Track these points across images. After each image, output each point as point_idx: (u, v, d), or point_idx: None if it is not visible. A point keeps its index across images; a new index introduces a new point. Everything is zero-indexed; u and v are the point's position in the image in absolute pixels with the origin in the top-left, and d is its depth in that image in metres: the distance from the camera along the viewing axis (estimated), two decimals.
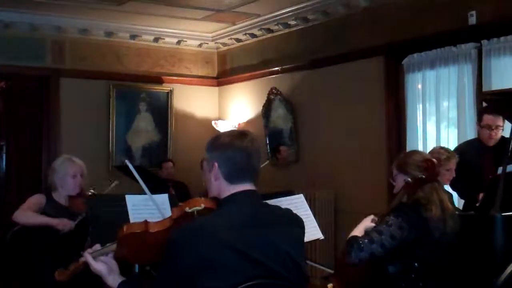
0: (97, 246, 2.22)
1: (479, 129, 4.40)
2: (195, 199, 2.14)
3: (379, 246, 2.60)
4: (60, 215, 3.60)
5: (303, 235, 2.17)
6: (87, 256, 2.18)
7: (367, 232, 2.68)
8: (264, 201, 2.15)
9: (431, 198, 2.73)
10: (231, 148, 2.06)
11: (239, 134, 2.11)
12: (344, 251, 2.68)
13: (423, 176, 2.74)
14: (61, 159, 3.79)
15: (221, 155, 2.07)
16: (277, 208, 2.17)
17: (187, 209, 2.07)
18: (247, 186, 2.07)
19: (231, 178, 2.06)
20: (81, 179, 3.76)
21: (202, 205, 2.08)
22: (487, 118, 4.28)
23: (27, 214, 3.61)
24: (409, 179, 2.76)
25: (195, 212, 2.07)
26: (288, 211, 2.18)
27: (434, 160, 2.78)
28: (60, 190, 3.73)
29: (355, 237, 2.67)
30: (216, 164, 2.07)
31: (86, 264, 2.20)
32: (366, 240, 2.61)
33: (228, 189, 2.07)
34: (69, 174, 3.71)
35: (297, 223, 2.16)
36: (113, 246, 2.17)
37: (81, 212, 3.64)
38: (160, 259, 1.99)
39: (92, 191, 3.90)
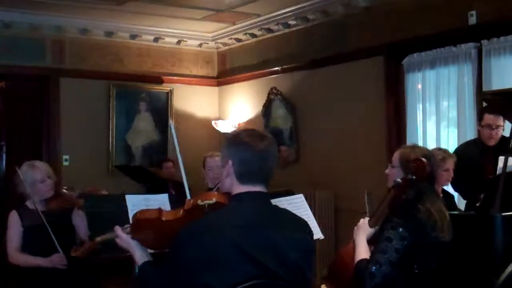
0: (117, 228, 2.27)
1: (480, 128, 4.38)
2: (208, 193, 2.17)
3: (388, 265, 2.55)
4: (41, 222, 3.55)
5: (312, 242, 2.16)
6: (118, 229, 2.22)
7: (372, 256, 2.61)
8: (274, 204, 2.14)
9: (422, 200, 2.68)
10: (249, 150, 2.03)
11: (259, 136, 2.08)
12: (354, 277, 2.62)
13: (414, 177, 2.66)
14: (24, 168, 3.69)
15: (237, 154, 2.05)
16: (286, 212, 2.17)
17: (199, 202, 2.10)
18: (257, 188, 2.06)
19: (243, 178, 2.05)
20: (50, 181, 3.69)
21: (214, 199, 2.10)
22: (488, 118, 4.26)
23: (20, 258, 3.62)
24: (399, 180, 2.69)
25: (206, 206, 2.09)
26: (298, 218, 2.17)
27: (423, 160, 2.67)
28: (34, 197, 3.65)
29: (363, 264, 2.60)
30: (230, 161, 2.05)
31: (101, 243, 2.23)
32: (374, 266, 2.55)
33: (238, 188, 2.06)
34: (37, 181, 3.64)
35: (306, 230, 2.14)
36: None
37: (60, 211, 3.62)
38: (169, 248, 2.03)
39: (65, 188, 3.88)
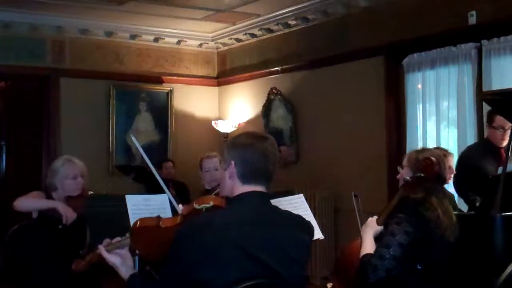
0: (108, 240, 2.30)
1: (490, 130, 4.28)
2: (205, 197, 2.21)
3: (392, 259, 2.58)
4: (56, 215, 3.53)
5: (310, 242, 2.18)
6: (101, 249, 2.26)
7: (376, 250, 2.64)
8: (274, 205, 2.17)
9: (429, 198, 2.71)
10: (250, 149, 2.07)
11: (260, 137, 2.14)
12: (359, 271, 2.65)
13: (422, 175, 2.72)
14: (61, 161, 3.65)
15: (239, 155, 2.08)
16: (287, 212, 2.19)
17: (196, 206, 2.12)
18: (258, 188, 2.09)
19: (245, 178, 2.08)
20: (82, 180, 3.64)
21: (211, 203, 2.13)
22: (500, 119, 4.15)
23: (29, 199, 3.53)
24: (409, 178, 2.75)
25: (204, 209, 2.11)
26: (298, 217, 2.19)
27: (433, 158, 2.74)
28: (61, 192, 3.60)
29: (367, 258, 2.63)
30: (233, 162, 2.08)
31: (102, 256, 2.25)
32: (378, 260, 2.58)
33: (240, 189, 2.09)
34: (69, 176, 3.58)
35: (306, 229, 2.17)
36: (127, 240, 2.24)
37: (78, 212, 3.58)
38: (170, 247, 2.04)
39: (91, 192, 3.85)
